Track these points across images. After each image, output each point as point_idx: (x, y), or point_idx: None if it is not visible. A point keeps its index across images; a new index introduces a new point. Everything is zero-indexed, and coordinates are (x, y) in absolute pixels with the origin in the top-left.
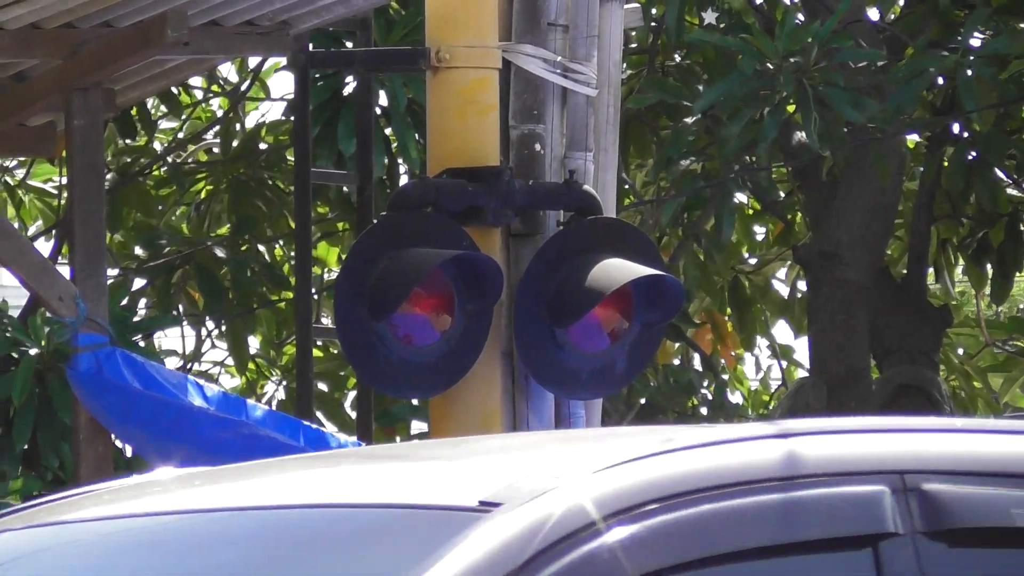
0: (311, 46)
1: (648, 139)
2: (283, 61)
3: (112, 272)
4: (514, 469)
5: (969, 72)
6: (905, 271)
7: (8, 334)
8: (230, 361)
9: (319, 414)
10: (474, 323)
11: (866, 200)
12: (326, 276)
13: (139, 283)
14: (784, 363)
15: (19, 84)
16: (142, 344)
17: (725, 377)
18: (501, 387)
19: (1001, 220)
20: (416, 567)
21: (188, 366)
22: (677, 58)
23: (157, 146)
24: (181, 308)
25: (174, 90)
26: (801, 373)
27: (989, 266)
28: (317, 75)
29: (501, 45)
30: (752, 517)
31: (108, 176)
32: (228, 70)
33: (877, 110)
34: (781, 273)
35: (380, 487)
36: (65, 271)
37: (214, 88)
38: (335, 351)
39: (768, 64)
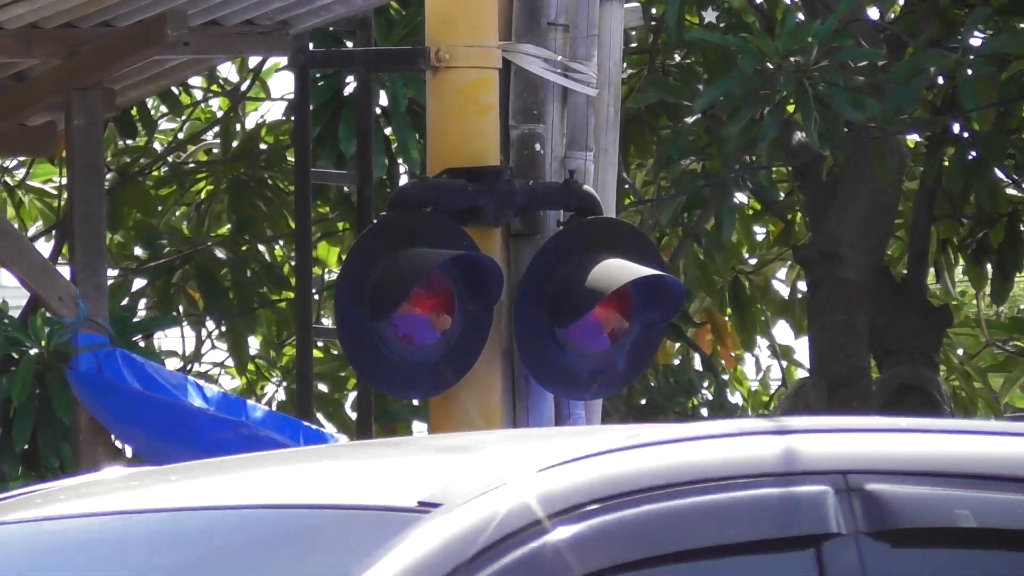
0: (311, 46)
1: (648, 139)
2: (283, 61)
3: (112, 272)
4: (456, 469)
5: (969, 71)
6: (905, 271)
7: (8, 334)
8: (230, 362)
9: (319, 415)
10: (474, 323)
11: (866, 200)
12: (326, 276)
13: (139, 283)
14: (784, 363)
15: (19, 84)
16: (142, 344)
17: (725, 377)
18: (501, 387)
19: (1001, 220)
20: (353, 568)
21: (188, 367)
22: (677, 58)
23: (157, 146)
24: (181, 308)
25: (174, 90)
26: (801, 373)
27: (989, 266)
28: (318, 75)
29: (501, 45)
30: (695, 517)
31: (108, 176)
32: (228, 70)
33: (877, 109)
34: (781, 273)
35: (321, 488)
36: (65, 271)
37: (214, 88)
38: (335, 352)
39: (768, 63)
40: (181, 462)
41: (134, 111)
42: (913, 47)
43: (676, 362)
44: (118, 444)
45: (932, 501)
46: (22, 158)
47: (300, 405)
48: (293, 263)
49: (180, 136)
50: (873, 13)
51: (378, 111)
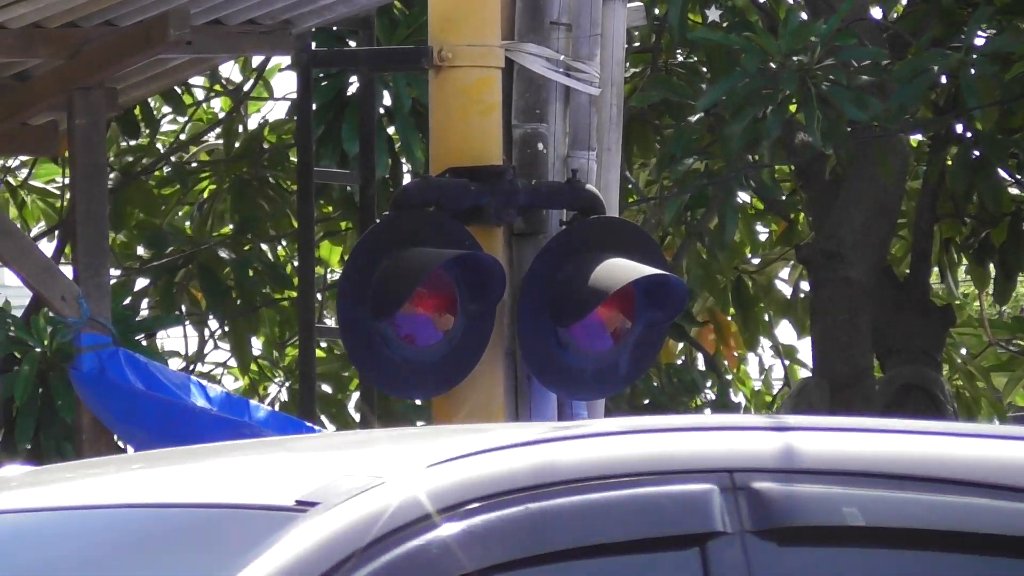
0: (314, 45)
1: (651, 138)
2: (286, 61)
3: (115, 272)
4: (336, 467)
5: (972, 71)
6: (908, 271)
7: (11, 333)
8: (233, 362)
9: (322, 415)
10: (477, 323)
11: (869, 199)
12: (329, 276)
13: (142, 283)
14: (787, 363)
15: (21, 83)
16: (144, 344)
17: (728, 377)
18: (504, 387)
19: (1004, 220)
20: (226, 569)
21: (191, 367)
22: (680, 57)
23: (159, 146)
24: (184, 308)
25: (177, 90)
26: (804, 373)
27: (992, 266)
28: (321, 75)
29: (504, 44)
30: (579, 515)
31: (111, 176)
32: (231, 70)
33: (880, 109)
34: (784, 273)
35: (200, 486)
36: (68, 271)
37: (216, 88)
38: (338, 352)
39: (771, 62)
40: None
41: (137, 111)
42: (916, 46)
43: (679, 362)
44: (120, 444)
45: (820, 499)
46: (24, 158)
47: (303, 405)
48: (296, 263)
49: (183, 137)
50: (876, 12)
51: (381, 111)
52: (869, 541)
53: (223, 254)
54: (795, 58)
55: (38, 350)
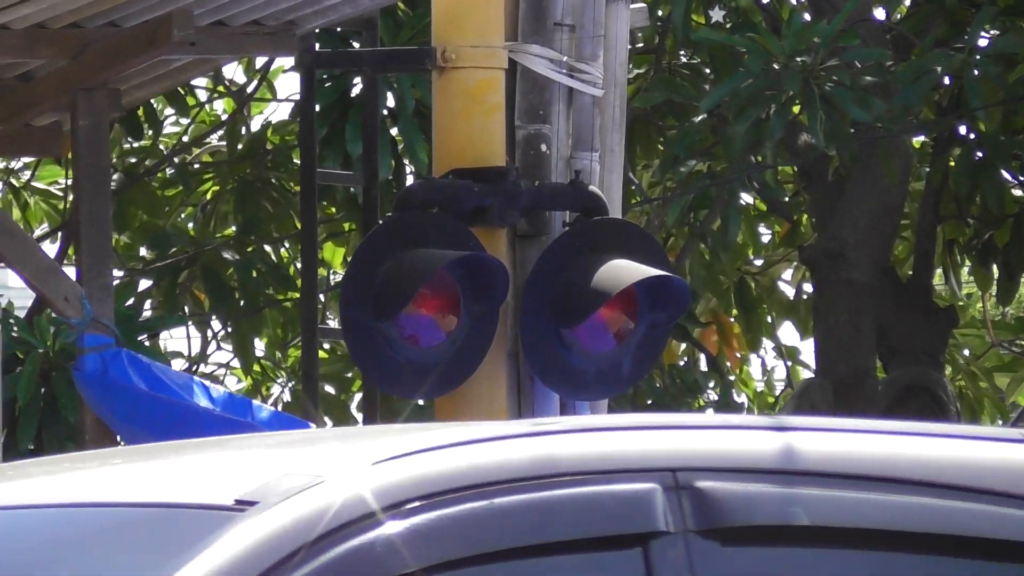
0: (317, 46)
1: (654, 139)
2: (289, 62)
3: (118, 273)
4: (277, 466)
5: (976, 72)
6: (911, 272)
7: (14, 334)
8: (236, 363)
9: (325, 416)
10: (480, 324)
11: (872, 200)
12: (332, 277)
13: (145, 284)
14: (789, 364)
15: (25, 84)
16: (147, 345)
17: (731, 378)
18: (507, 388)
19: (1007, 221)
20: (165, 567)
21: (194, 368)
22: (683, 58)
23: (163, 147)
24: (187, 309)
25: (180, 91)
26: (806, 374)
27: (995, 267)
28: (325, 76)
29: (507, 45)
30: (521, 515)
31: (114, 177)
32: (235, 71)
33: (883, 109)
34: (787, 274)
35: (139, 486)
36: (71, 272)
37: (219, 89)
38: (341, 353)
39: (774, 63)
40: None
41: (140, 112)
42: (919, 47)
43: (682, 362)
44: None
45: (764, 498)
46: (28, 159)
47: (306, 406)
48: (299, 264)
49: (185, 139)
50: (879, 13)
51: (385, 112)
52: (814, 541)
53: (226, 255)
54: (798, 59)
55: (40, 350)
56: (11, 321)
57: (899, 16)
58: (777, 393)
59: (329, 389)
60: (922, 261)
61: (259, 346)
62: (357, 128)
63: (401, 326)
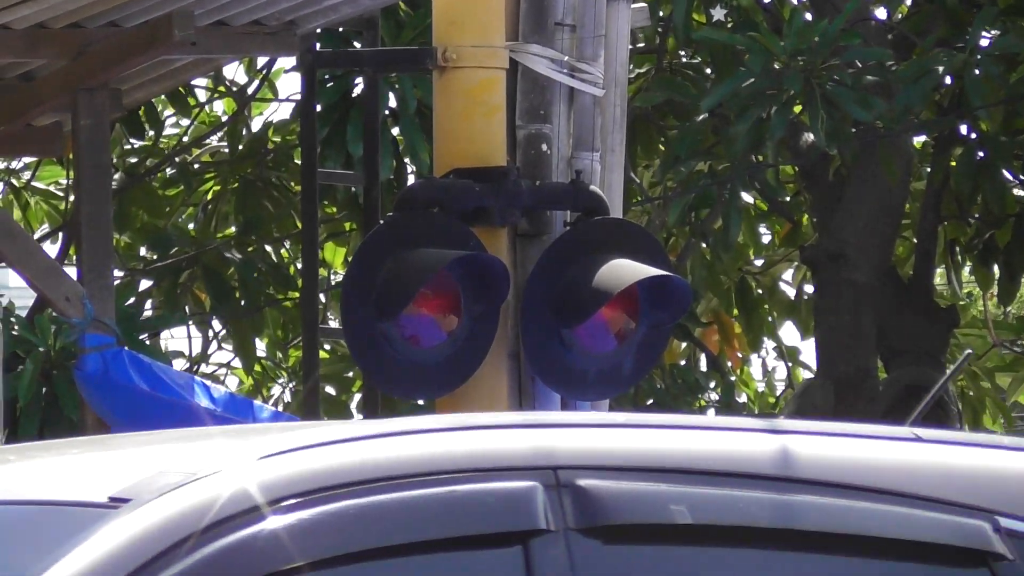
0: (318, 46)
1: (655, 138)
2: (290, 62)
3: (119, 273)
4: (153, 464)
5: (977, 71)
6: (912, 272)
7: (15, 333)
8: (237, 363)
9: (325, 416)
10: (481, 324)
11: (873, 200)
12: (333, 277)
13: (146, 284)
14: (790, 364)
15: (26, 84)
16: (148, 344)
17: (732, 378)
18: (508, 388)
19: (1008, 221)
20: (36, 564)
21: (194, 367)
22: (684, 57)
23: (164, 147)
24: (188, 309)
25: (181, 91)
26: (807, 374)
27: (996, 267)
28: (326, 76)
29: (508, 45)
30: (401, 512)
31: (115, 177)
32: (236, 71)
33: (885, 109)
34: (788, 274)
35: (17, 483)
36: (72, 272)
37: (220, 89)
38: (341, 353)
39: (775, 63)
40: None
41: (141, 112)
42: (920, 47)
43: (683, 362)
44: None
45: (646, 497)
46: (29, 159)
47: (306, 406)
48: (300, 264)
49: (186, 139)
50: (880, 13)
51: (386, 112)
52: (697, 539)
53: (227, 255)
54: (799, 58)
55: (42, 349)
56: (12, 320)
57: (900, 16)
58: (778, 393)
59: (330, 389)
60: (923, 261)
61: (260, 346)
62: (358, 128)
63: (402, 326)
